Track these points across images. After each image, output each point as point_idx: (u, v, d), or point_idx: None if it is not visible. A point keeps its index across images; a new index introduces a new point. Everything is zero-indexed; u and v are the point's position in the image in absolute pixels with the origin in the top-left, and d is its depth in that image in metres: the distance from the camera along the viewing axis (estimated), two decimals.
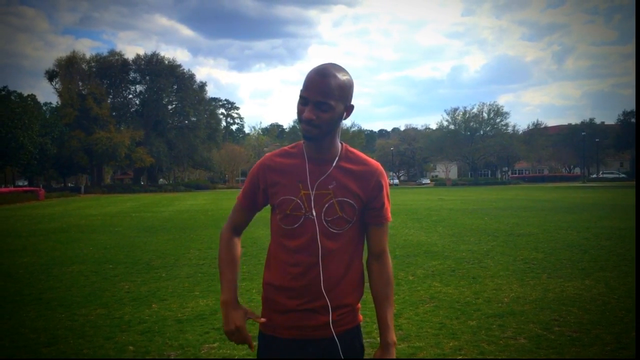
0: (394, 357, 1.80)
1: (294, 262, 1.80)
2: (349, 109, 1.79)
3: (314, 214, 1.77)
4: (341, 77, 1.74)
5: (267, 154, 1.92)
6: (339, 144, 1.84)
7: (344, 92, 1.75)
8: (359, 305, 1.90)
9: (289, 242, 1.82)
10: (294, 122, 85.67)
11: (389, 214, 1.88)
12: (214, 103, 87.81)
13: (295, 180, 1.80)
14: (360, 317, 1.90)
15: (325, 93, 1.70)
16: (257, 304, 5.80)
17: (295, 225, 1.80)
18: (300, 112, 1.74)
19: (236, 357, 4.23)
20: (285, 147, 1.91)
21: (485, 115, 79.44)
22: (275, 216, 1.86)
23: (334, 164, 1.80)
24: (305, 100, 1.73)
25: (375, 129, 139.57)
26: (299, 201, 1.79)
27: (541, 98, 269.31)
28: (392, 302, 1.86)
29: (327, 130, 1.75)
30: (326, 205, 1.77)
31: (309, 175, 1.79)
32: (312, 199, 1.77)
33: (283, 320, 1.82)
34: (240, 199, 1.94)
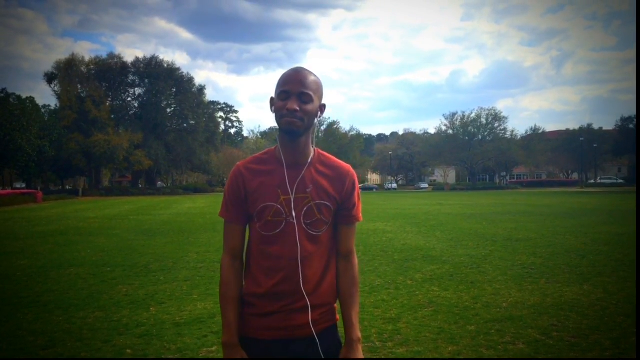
0: (360, 353, 1.84)
1: (276, 267, 1.82)
2: (322, 107, 1.85)
3: (294, 217, 1.80)
4: (317, 76, 1.84)
5: (239, 163, 1.92)
6: (312, 147, 1.88)
7: (319, 88, 1.83)
8: (336, 305, 1.95)
9: (269, 248, 1.84)
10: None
11: (360, 214, 1.94)
12: (212, 106, 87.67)
13: (274, 186, 1.82)
14: (337, 316, 1.95)
15: (306, 85, 1.78)
16: None
17: (277, 231, 1.82)
18: (280, 108, 1.77)
19: None
20: (257, 154, 1.92)
21: (483, 120, 79.59)
22: (255, 224, 1.86)
23: (310, 167, 1.84)
24: (286, 94, 1.77)
25: (374, 133, 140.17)
26: (279, 207, 1.81)
27: (540, 103, 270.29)
28: (356, 301, 1.90)
29: (308, 124, 1.78)
30: (305, 208, 1.81)
31: (287, 179, 1.82)
32: (292, 203, 1.81)
33: (265, 322, 1.84)
34: (228, 215, 1.89)
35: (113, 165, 68.55)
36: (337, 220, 1.90)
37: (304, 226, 1.81)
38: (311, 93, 1.77)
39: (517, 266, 8.34)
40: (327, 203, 1.83)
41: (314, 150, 1.88)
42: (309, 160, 1.84)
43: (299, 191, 1.81)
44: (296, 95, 1.76)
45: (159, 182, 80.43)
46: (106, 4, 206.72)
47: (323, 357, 1.81)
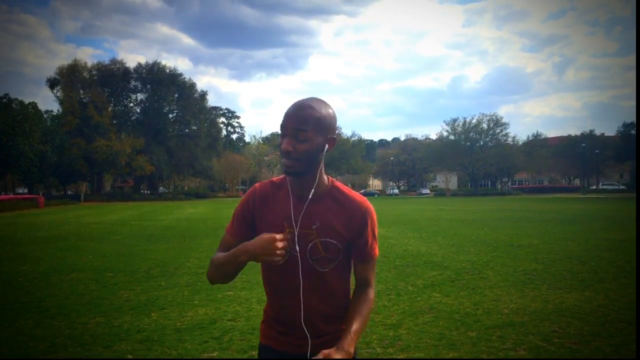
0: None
1: (279, 296, 1.85)
2: (330, 141, 1.73)
3: (298, 252, 1.75)
4: (319, 109, 1.71)
5: (256, 185, 1.90)
6: (325, 180, 1.80)
7: (322, 123, 1.70)
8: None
9: (272, 276, 1.85)
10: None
11: (375, 251, 1.83)
12: (214, 112, 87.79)
13: (281, 218, 1.78)
14: None
15: (301, 123, 1.67)
16: (256, 314, 5.83)
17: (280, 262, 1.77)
18: (280, 146, 1.73)
19: None
20: (274, 179, 1.88)
21: (485, 125, 79.60)
22: None
23: (319, 201, 1.76)
24: (283, 133, 1.71)
25: (376, 138, 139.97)
26: None
27: (541, 109, 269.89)
28: (364, 320, 1.75)
29: (307, 163, 1.70)
30: (310, 245, 1.76)
31: (292, 213, 1.76)
32: (296, 237, 1.75)
33: (277, 336, 1.88)
34: (231, 230, 1.86)
35: (115, 171, 68.55)
36: (352, 256, 1.82)
37: (310, 261, 1.76)
38: (307, 130, 1.66)
39: (519, 272, 8.33)
40: (333, 241, 1.76)
41: (329, 182, 1.81)
42: (320, 194, 1.77)
43: (304, 226, 1.75)
44: (290, 134, 1.68)
45: (161, 188, 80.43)
46: (108, 9, 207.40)
47: None
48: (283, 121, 1.70)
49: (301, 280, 1.76)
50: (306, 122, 1.67)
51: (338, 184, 1.83)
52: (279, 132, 1.74)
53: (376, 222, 1.84)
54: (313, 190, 1.74)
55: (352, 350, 1.63)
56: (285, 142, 1.68)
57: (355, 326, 1.70)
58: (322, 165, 1.77)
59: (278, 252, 1.60)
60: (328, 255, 1.77)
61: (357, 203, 1.78)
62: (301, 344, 1.81)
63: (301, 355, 1.81)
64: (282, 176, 1.85)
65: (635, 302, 6.03)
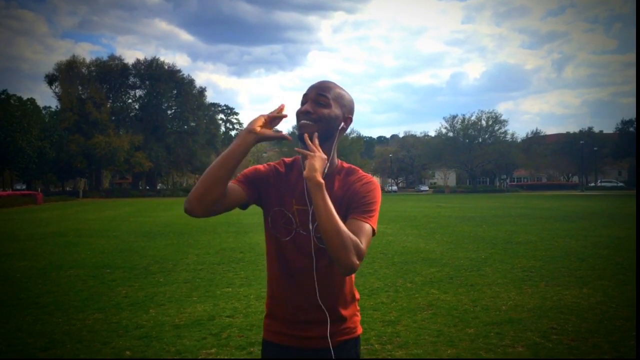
0: (315, 192, 1.59)
1: (291, 277, 1.81)
2: (347, 120, 1.79)
3: (310, 229, 1.76)
4: (342, 88, 1.80)
5: (271, 163, 1.90)
6: (336, 160, 1.83)
7: (343, 99, 1.78)
8: (359, 316, 1.91)
9: (283, 253, 1.82)
10: (293, 128, 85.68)
11: (372, 220, 1.70)
12: (213, 108, 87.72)
13: (289, 194, 1.79)
14: (360, 328, 1.90)
15: (325, 90, 1.75)
16: (255, 310, 5.83)
17: (287, 239, 1.79)
18: (297, 112, 1.75)
19: None
20: (285, 159, 1.90)
21: (484, 122, 79.66)
22: (270, 227, 1.84)
23: (328, 179, 1.74)
24: (304, 99, 1.76)
25: (374, 135, 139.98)
26: (290, 215, 1.79)
27: (540, 106, 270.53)
28: (340, 226, 1.58)
29: (324, 128, 1.72)
30: (316, 222, 1.72)
31: (303, 190, 1.76)
32: (309, 215, 1.76)
33: (283, 329, 1.84)
34: (236, 179, 1.79)
35: (113, 167, 68.53)
36: (348, 216, 1.71)
37: (315, 240, 1.76)
38: (329, 97, 1.74)
39: (517, 269, 8.34)
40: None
41: (339, 163, 1.84)
42: (329, 171, 1.78)
43: (311, 203, 1.73)
44: (313, 99, 1.74)
45: (160, 184, 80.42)
46: (106, 5, 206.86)
47: None
48: (306, 91, 1.77)
49: (314, 258, 1.76)
50: (328, 90, 1.76)
51: (348, 165, 1.86)
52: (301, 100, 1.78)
53: (379, 198, 1.78)
54: (326, 170, 1.72)
55: (318, 175, 1.58)
56: (306, 105, 1.74)
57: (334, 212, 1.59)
58: (335, 145, 1.79)
59: (262, 119, 1.66)
60: None
61: (364, 176, 1.81)
62: (308, 335, 1.79)
63: (305, 350, 1.80)
64: (293, 157, 1.89)
65: (636, 301, 6.04)
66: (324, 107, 1.73)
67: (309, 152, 1.63)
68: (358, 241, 1.59)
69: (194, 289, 7.05)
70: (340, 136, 1.80)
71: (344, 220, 1.65)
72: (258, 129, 1.65)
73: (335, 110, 1.75)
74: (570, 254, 9.97)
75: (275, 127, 1.72)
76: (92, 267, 9.01)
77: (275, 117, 1.69)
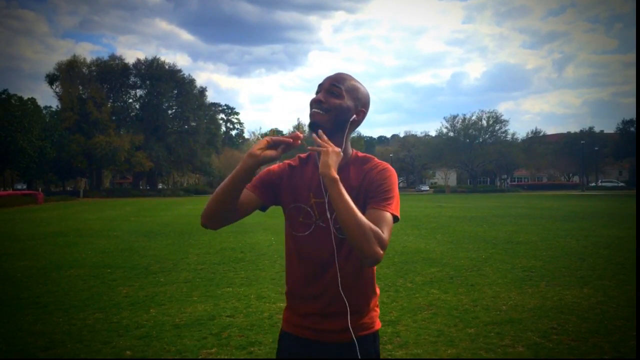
0: (330, 184, 1.59)
1: (308, 269, 1.81)
2: (360, 113, 1.80)
3: (329, 220, 1.76)
4: (357, 81, 1.82)
5: (286, 161, 1.91)
6: (350, 149, 1.84)
7: (357, 91, 1.79)
8: (377, 311, 1.91)
9: (303, 249, 1.82)
10: (294, 127, 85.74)
11: (392, 206, 1.69)
12: (213, 108, 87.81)
13: (306, 188, 1.80)
14: (379, 323, 1.91)
15: (339, 80, 1.77)
16: (255, 310, 5.83)
17: (307, 233, 1.80)
18: (311, 101, 1.77)
19: None
20: (300, 155, 1.91)
21: (484, 122, 79.62)
22: (288, 224, 1.87)
23: (341, 169, 1.74)
24: (319, 89, 1.78)
25: (375, 135, 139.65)
26: (309, 209, 1.80)
27: (541, 106, 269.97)
28: (360, 217, 1.58)
29: (333, 119, 1.73)
30: (335, 212, 1.73)
31: (320, 183, 1.77)
32: (325, 206, 1.76)
33: (303, 322, 1.84)
34: (249, 185, 1.79)
35: (114, 167, 68.54)
36: (367, 206, 1.71)
37: (334, 230, 1.76)
38: (342, 87, 1.75)
39: (517, 269, 8.34)
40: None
41: (353, 152, 1.84)
42: (344, 162, 1.78)
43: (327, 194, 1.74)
44: (326, 89, 1.75)
45: (160, 184, 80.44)
46: (107, 5, 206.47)
47: None
48: (322, 81, 1.79)
49: (335, 249, 1.76)
50: (342, 81, 1.77)
51: (363, 154, 1.86)
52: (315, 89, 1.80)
53: (396, 183, 1.78)
54: (346, 161, 1.78)
55: (333, 171, 1.58)
56: (319, 95, 1.76)
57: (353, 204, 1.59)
58: (349, 135, 1.81)
59: (264, 141, 1.63)
60: None
61: (378, 164, 1.81)
62: (326, 328, 1.79)
63: (323, 343, 1.80)
64: (307, 153, 1.88)
65: (636, 301, 6.04)
66: (336, 97, 1.74)
67: (321, 149, 1.63)
68: (379, 231, 1.59)
69: (194, 289, 7.05)
70: (353, 128, 1.81)
71: (363, 210, 1.65)
72: (258, 152, 1.61)
73: (348, 102, 1.75)
74: (570, 253, 9.96)
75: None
76: (92, 266, 9.01)
77: (283, 141, 1.64)
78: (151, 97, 69.26)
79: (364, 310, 1.83)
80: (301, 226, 1.81)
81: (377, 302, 1.91)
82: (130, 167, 65.82)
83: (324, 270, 1.77)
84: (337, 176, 1.59)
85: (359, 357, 1.76)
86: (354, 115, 1.78)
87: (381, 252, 1.57)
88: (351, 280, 1.78)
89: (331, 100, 1.73)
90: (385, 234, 1.60)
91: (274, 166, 1.87)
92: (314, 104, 1.74)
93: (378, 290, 1.91)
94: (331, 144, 1.65)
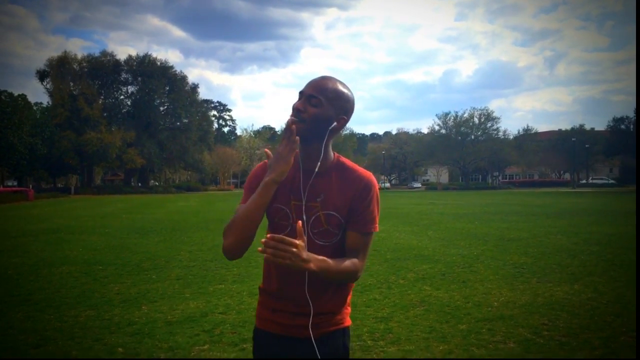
0: (308, 262, 1.61)
1: (281, 269, 1.81)
2: (340, 120, 1.77)
3: (305, 223, 1.76)
4: (339, 86, 1.78)
5: (267, 160, 1.88)
6: (332, 154, 1.83)
7: (338, 98, 1.76)
8: (349, 309, 1.92)
9: None
10: (286, 124, 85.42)
11: (374, 226, 1.80)
12: (205, 105, 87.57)
13: (287, 190, 1.80)
14: (349, 320, 1.91)
15: (318, 89, 1.74)
16: (247, 307, 5.83)
17: (282, 234, 1.76)
18: (293, 106, 1.77)
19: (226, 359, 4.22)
20: None
21: (476, 120, 79.76)
22: (268, 223, 1.88)
23: (325, 175, 1.79)
24: (300, 96, 1.77)
25: (367, 132, 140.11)
26: (287, 210, 1.80)
27: (532, 103, 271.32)
28: (338, 267, 1.70)
29: (313, 129, 1.73)
30: (313, 217, 1.77)
31: (301, 185, 1.78)
32: (302, 209, 1.78)
33: (273, 317, 1.88)
34: (245, 199, 1.81)
35: (105, 164, 68.27)
36: (347, 227, 1.79)
37: (310, 235, 1.77)
38: (321, 98, 1.72)
39: (509, 266, 8.38)
40: (334, 213, 1.77)
41: (334, 157, 1.84)
42: (324, 168, 1.79)
43: (310, 199, 1.77)
44: (306, 97, 1.74)
45: (152, 181, 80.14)
46: (98, 0, 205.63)
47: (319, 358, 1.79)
48: (304, 87, 1.78)
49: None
50: (322, 90, 1.74)
51: (344, 159, 1.86)
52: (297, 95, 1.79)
53: (379, 199, 1.83)
54: (319, 163, 1.78)
55: (312, 266, 1.61)
56: (298, 102, 1.76)
57: (330, 262, 1.68)
58: (329, 142, 1.80)
59: (286, 144, 1.69)
60: (330, 228, 1.78)
61: (361, 176, 1.80)
62: (293, 324, 1.82)
63: (290, 338, 1.83)
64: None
65: (636, 301, 6.09)
66: (314, 107, 1.72)
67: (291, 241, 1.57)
68: (355, 264, 1.75)
69: (186, 286, 7.04)
70: (332, 135, 1.79)
71: (348, 219, 1.77)
72: (279, 178, 1.71)
73: (327, 111, 1.74)
74: (561, 250, 10.02)
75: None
76: (84, 263, 8.97)
77: (290, 147, 1.71)
78: (143, 94, 68.93)
79: (332, 308, 1.85)
80: (278, 227, 1.82)
81: (349, 302, 1.92)
82: (121, 164, 65.56)
83: (295, 273, 1.74)
84: (313, 267, 1.61)
85: (317, 354, 1.78)
86: (334, 123, 1.77)
87: (359, 275, 1.79)
88: (321, 284, 1.79)
89: (310, 110, 1.72)
90: (361, 262, 1.78)
91: (259, 169, 1.89)
92: (294, 110, 1.75)
93: (350, 288, 1.92)
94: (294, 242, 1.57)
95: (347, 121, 1.81)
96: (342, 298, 1.87)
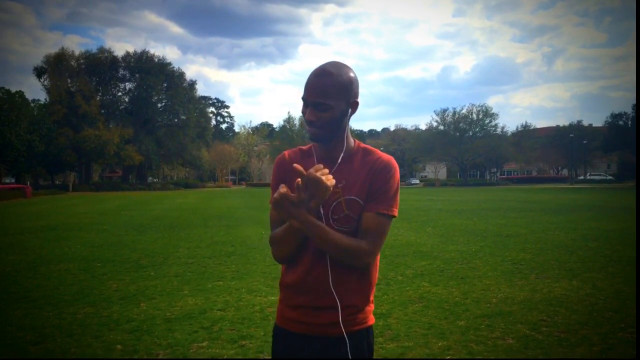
0: (299, 214, 1.65)
1: (301, 260, 1.79)
2: (354, 105, 1.77)
3: (322, 212, 1.74)
4: (339, 75, 1.74)
5: (285, 152, 1.91)
6: (352, 141, 1.83)
7: (344, 89, 1.73)
8: (372, 306, 1.87)
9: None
10: (284, 121, 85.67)
11: (391, 209, 1.77)
12: (203, 101, 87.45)
13: None
14: (372, 319, 1.87)
15: (322, 94, 1.71)
16: (246, 303, 5.83)
17: None
18: (303, 114, 1.77)
19: (225, 357, 4.22)
20: (302, 147, 1.91)
21: (474, 116, 79.86)
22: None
23: (346, 162, 1.79)
24: (305, 103, 1.75)
25: (365, 129, 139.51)
26: None
27: (530, 99, 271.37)
28: (336, 237, 1.69)
29: (331, 129, 1.74)
30: (334, 203, 1.74)
31: None
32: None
33: (293, 315, 1.82)
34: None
35: (103, 161, 68.21)
36: (364, 206, 1.76)
37: (331, 222, 1.74)
38: (329, 102, 1.70)
39: (507, 262, 8.39)
40: (356, 198, 1.75)
41: (355, 143, 1.84)
42: (345, 155, 1.80)
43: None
44: (312, 105, 1.72)
45: (150, 178, 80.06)
46: None
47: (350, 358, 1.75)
48: (305, 91, 1.74)
49: None
50: (327, 93, 1.71)
51: (365, 145, 1.85)
52: (302, 99, 1.77)
53: (398, 184, 1.82)
54: (342, 154, 1.78)
55: (304, 218, 1.64)
56: (308, 113, 1.74)
57: (328, 229, 1.69)
58: (348, 128, 1.80)
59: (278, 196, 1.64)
60: (350, 214, 1.75)
61: (382, 158, 1.80)
62: (316, 322, 1.77)
63: (314, 336, 1.77)
64: (309, 145, 1.88)
65: (636, 300, 6.09)
66: (324, 111, 1.71)
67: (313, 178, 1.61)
68: (360, 244, 1.71)
69: (185, 283, 7.04)
70: (349, 119, 1.80)
71: (366, 203, 1.75)
72: (301, 215, 1.66)
73: (339, 107, 1.73)
74: (559, 246, 10.03)
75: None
76: (82, 260, 8.96)
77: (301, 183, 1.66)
78: (140, 91, 68.86)
79: (356, 304, 1.80)
80: None
81: (372, 297, 1.87)
82: (119, 160, 65.53)
83: (316, 264, 1.75)
84: (297, 219, 1.64)
85: (349, 357, 1.74)
86: (349, 110, 1.77)
87: (367, 260, 1.74)
88: (343, 275, 1.76)
89: (321, 116, 1.72)
90: (369, 246, 1.72)
91: (273, 171, 1.89)
92: (307, 123, 1.75)
93: (375, 280, 1.87)
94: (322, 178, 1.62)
95: (358, 103, 1.80)
96: (365, 291, 1.82)
